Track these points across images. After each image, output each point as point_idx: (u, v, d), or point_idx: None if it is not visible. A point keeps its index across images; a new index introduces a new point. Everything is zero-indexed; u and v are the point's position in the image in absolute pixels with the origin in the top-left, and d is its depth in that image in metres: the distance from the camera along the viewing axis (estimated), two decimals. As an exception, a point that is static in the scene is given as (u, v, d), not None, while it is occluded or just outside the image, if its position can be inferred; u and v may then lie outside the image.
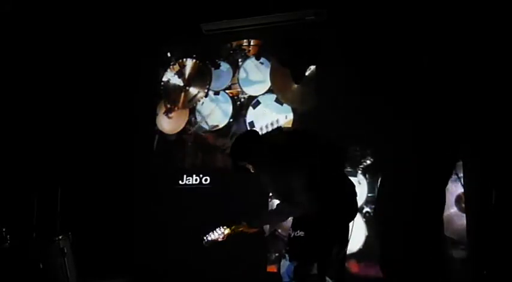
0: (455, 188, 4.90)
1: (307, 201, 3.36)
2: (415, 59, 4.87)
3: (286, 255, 3.46)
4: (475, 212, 4.54)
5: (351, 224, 3.56)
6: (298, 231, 3.43)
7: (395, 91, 4.92)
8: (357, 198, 3.61)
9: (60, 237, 4.57)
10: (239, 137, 3.75)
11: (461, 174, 4.72)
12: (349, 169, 5.13)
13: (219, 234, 3.56)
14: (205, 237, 3.59)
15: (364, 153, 5.28)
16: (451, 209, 4.94)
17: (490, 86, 4.44)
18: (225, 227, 3.56)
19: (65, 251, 4.52)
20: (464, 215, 4.78)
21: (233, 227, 3.58)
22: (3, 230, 4.41)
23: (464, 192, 4.73)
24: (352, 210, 3.59)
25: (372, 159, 5.24)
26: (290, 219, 3.57)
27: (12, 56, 5.71)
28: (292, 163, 3.43)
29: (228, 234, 3.56)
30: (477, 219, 4.51)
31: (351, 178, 3.64)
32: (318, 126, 5.16)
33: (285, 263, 3.47)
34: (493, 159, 4.31)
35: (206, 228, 3.50)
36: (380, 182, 4.90)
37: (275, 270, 5.12)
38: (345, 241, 3.58)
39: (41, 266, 4.36)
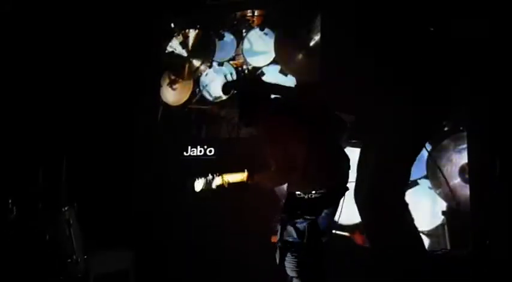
0: (459, 159, 4.90)
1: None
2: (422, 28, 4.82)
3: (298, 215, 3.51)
4: (479, 182, 4.53)
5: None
6: (313, 192, 3.50)
7: (403, 60, 4.87)
8: (349, 172, 3.67)
9: (66, 208, 4.61)
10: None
11: (465, 145, 4.71)
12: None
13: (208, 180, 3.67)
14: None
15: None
16: (455, 180, 4.94)
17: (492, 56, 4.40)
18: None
19: (71, 221, 4.56)
20: (468, 185, 4.77)
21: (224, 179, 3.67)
22: (9, 201, 4.46)
23: (469, 163, 4.72)
24: (344, 183, 3.65)
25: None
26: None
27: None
28: (294, 125, 3.58)
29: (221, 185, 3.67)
30: (481, 189, 4.51)
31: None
32: (321, 96, 5.12)
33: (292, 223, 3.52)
34: (497, 129, 4.28)
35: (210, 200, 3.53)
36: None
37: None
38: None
39: (47, 236, 4.42)
